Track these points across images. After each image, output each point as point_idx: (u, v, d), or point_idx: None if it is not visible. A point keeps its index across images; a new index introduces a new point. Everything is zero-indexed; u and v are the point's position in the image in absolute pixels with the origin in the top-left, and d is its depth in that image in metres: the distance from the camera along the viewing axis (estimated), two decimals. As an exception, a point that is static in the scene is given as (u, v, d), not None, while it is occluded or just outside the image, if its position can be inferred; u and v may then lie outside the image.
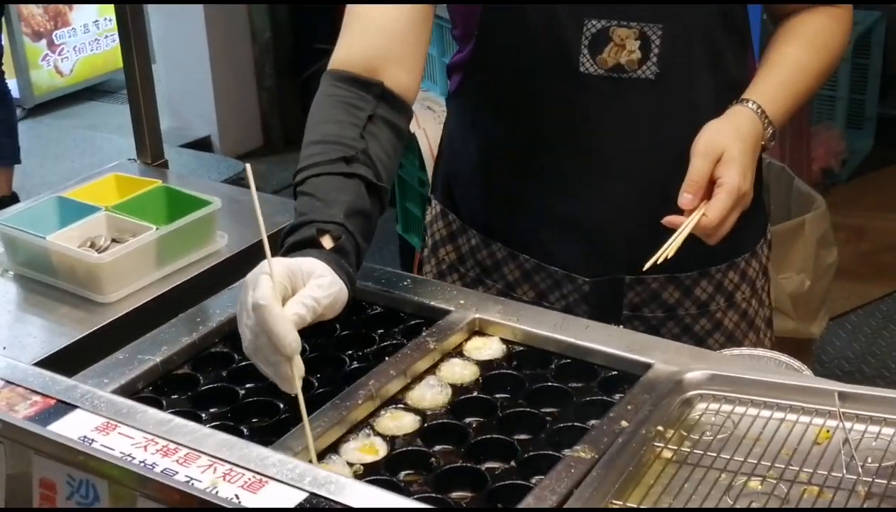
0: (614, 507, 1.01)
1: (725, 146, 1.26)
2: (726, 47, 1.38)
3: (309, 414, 1.15)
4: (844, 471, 1.04)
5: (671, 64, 1.34)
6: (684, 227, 1.24)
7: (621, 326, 1.43)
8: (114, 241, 1.57)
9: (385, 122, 1.32)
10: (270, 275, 1.09)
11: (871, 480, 1.03)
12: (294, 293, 1.12)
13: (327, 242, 1.20)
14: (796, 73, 1.38)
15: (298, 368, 1.09)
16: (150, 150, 1.91)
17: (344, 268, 1.19)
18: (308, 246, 1.19)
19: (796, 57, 1.39)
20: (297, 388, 1.09)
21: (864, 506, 1.00)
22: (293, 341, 1.08)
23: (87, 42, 5.48)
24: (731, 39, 1.38)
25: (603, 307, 1.44)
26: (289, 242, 1.21)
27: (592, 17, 1.33)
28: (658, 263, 1.24)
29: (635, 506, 1.01)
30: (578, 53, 1.34)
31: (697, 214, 1.25)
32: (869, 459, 1.05)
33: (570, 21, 1.33)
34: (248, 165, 1.14)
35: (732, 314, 1.49)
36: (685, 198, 1.25)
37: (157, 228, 1.55)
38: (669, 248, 1.24)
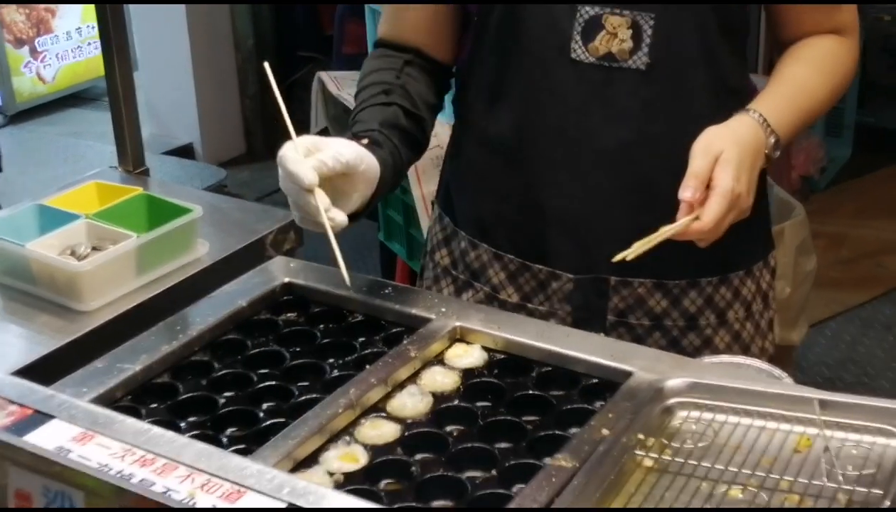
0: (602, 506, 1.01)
1: (722, 148, 1.26)
2: (722, 47, 1.37)
3: (289, 422, 1.14)
4: (825, 479, 1.04)
5: (662, 55, 1.35)
6: (668, 229, 1.24)
7: (606, 334, 1.42)
8: (94, 248, 1.56)
9: (422, 69, 1.48)
10: (293, 137, 1.27)
11: (851, 488, 1.03)
12: None
13: (362, 141, 1.35)
14: (802, 91, 1.38)
15: (322, 200, 1.24)
16: (131, 157, 1.91)
17: (375, 151, 1.34)
18: None
19: (803, 76, 1.39)
20: (323, 216, 1.24)
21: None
22: (307, 174, 1.23)
23: (70, 49, 5.45)
24: (727, 40, 1.38)
25: (587, 309, 1.43)
26: None
27: (586, 4, 1.34)
28: (627, 259, 1.24)
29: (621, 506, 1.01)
30: (570, 40, 1.35)
31: (688, 218, 1.24)
32: (849, 468, 1.06)
33: (563, 7, 1.35)
34: (266, 64, 1.35)
35: (724, 334, 1.46)
36: (686, 192, 1.24)
37: (137, 236, 1.54)
38: (641, 246, 1.24)
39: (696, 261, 1.40)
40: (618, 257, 1.24)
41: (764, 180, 1.51)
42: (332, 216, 1.26)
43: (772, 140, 1.32)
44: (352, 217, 1.33)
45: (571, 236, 1.42)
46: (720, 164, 1.25)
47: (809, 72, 1.40)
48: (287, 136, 1.29)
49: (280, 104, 1.32)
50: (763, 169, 1.46)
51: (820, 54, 1.41)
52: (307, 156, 1.27)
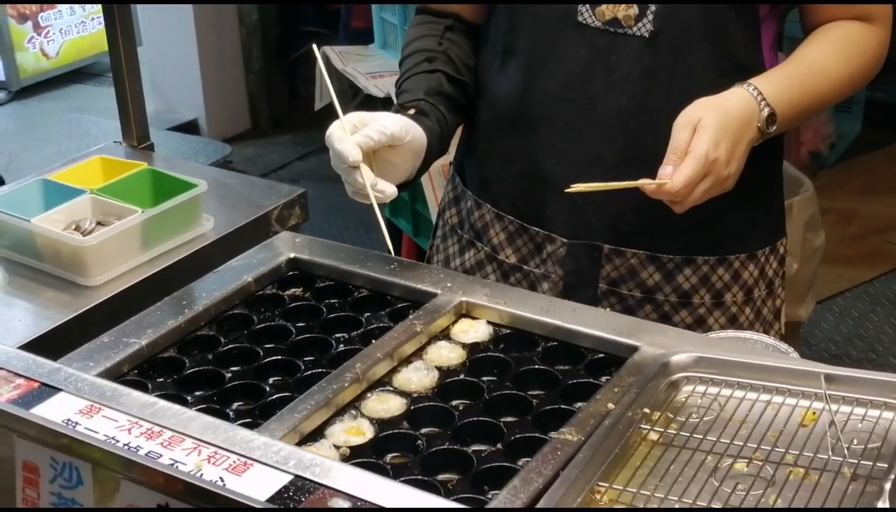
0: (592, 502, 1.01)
1: (701, 116, 1.26)
2: (731, 24, 1.35)
3: (295, 396, 1.15)
4: (830, 453, 1.04)
5: (667, 24, 1.34)
6: (630, 183, 1.26)
7: (597, 302, 1.42)
8: (99, 223, 1.56)
9: (462, 33, 1.51)
10: (340, 116, 1.32)
11: (856, 461, 1.03)
12: None
13: (409, 111, 1.40)
14: (810, 71, 1.35)
15: (367, 176, 1.30)
16: (135, 132, 1.90)
17: (421, 121, 1.38)
18: None
19: (814, 57, 1.37)
20: (369, 191, 1.30)
21: (850, 487, 1.00)
22: (352, 151, 1.29)
23: (73, 24, 5.44)
24: (738, 19, 1.35)
25: (579, 275, 1.43)
26: None
27: None
28: (573, 191, 1.29)
29: (605, 506, 1.01)
30: (579, 2, 1.36)
31: (663, 180, 1.24)
32: (854, 441, 1.06)
33: None
34: (314, 45, 1.42)
35: (719, 315, 1.45)
36: (665, 170, 1.25)
37: (142, 211, 1.54)
38: (599, 186, 1.28)
39: (691, 237, 1.39)
40: (570, 188, 1.29)
41: (777, 166, 1.49)
42: (381, 189, 1.32)
43: (765, 113, 1.30)
44: (403, 186, 1.39)
45: (567, 201, 1.41)
46: (698, 130, 1.25)
47: (824, 53, 1.37)
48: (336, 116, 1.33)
49: (329, 87, 1.40)
50: (773, 157, 1.44)
51: (840, 37, 1.38)
52: (353, 132, 1.31)
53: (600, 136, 1.38)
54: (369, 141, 1.30)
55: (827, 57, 1.37)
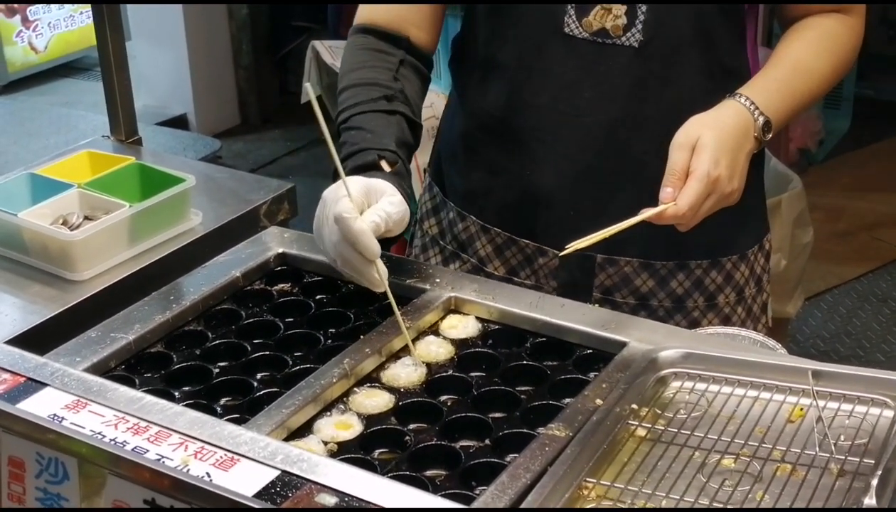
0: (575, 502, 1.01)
1: (699, 134, 1.25)
2: (719, 29, 1.35)
3: (283, 391, 1.14)
4: (817, 449, 1.05)
5: (656, 33, 1.33)
6: (632, 220, 1.24)
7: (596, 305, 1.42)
8: (86, 218, 1.56)
9: (413, 68, 1.45)
10: (348, 191, 1.22)
11: (843, 457, 1.03)
12: (369, 207, 1.25)
13: (386, 167, 1.33)
14: (796, 72, 1.36)
15: (382, 270, 1.24)
16: (124, 127, 1.90)
17: (405, 189, 1.33)
18: (371, 169, 1.31)
19: (797, 56, 1.37)
20: (385, 286, 1.24)
21: (837, 484, 1.01)
22: (375, 247, 1.21)
23: (62, 18, 5.41)
24: (725, 22, 1.35)
25: (573, 285, 1.43)
26: (350, 167, 1.32)
27: None
28: (578, 249, 1.24)
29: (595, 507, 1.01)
30: (564, 14, 1.34)
31: (662, 206, 1.23)
32: (842, 437, 1.06)
33: None
34: (307, 85, 1.24)
35: (713, 317, 1.45)
36: (666, 192, 1.24)
37: (130, 206, 1.53)
38: (595, 237, 1.24)
39: (683, 243, 1.39)
40: (570, 248, 1.24)
41: (759, 165, 1.49)
42: (380, 269, 1.24)
43: (760, 121, 1.30)
44: None
45: (559, 214, 1.41)
46: (697, 149, 1.24)
47: (806, 52, 1.37)
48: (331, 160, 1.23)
49: (328, 142, 1.22)
50: (755, 155, 1.45)
51: (819, 34, 1.38)
52: (360, 208, 1.23)
53: (590, 147, 1.38)
54: (378, 230, 1.23)
55: (809, 54, 1.37)
